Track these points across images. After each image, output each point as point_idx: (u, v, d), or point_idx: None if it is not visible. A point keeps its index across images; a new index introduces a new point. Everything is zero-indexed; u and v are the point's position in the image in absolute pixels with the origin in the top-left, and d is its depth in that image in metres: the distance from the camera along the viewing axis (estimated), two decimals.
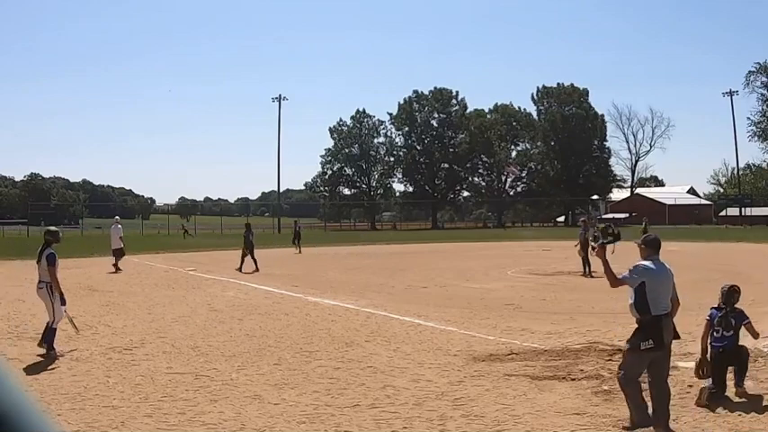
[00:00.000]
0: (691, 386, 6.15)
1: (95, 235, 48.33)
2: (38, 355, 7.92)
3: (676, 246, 24.42)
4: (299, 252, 29.43)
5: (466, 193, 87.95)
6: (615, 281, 5.18)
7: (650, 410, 5.12)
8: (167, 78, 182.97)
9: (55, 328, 8.13)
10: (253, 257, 20.54)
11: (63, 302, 8.24)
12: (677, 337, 5.31)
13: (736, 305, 6.20)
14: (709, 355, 6.10)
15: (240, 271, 19.75)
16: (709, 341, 6.13)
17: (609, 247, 5.43)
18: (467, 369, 7.12)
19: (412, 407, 5.76)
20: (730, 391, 5.96)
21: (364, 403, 5.89)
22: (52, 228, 9.14)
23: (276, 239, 41.53)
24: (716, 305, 6.25)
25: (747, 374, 6.19)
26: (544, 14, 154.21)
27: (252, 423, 5.37)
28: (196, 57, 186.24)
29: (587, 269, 17.14)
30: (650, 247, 5.27)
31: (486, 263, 22.15)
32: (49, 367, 7.41)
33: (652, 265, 5.14)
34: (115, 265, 20.36)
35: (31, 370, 7.29)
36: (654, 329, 5.01)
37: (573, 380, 6.56)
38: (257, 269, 19.91)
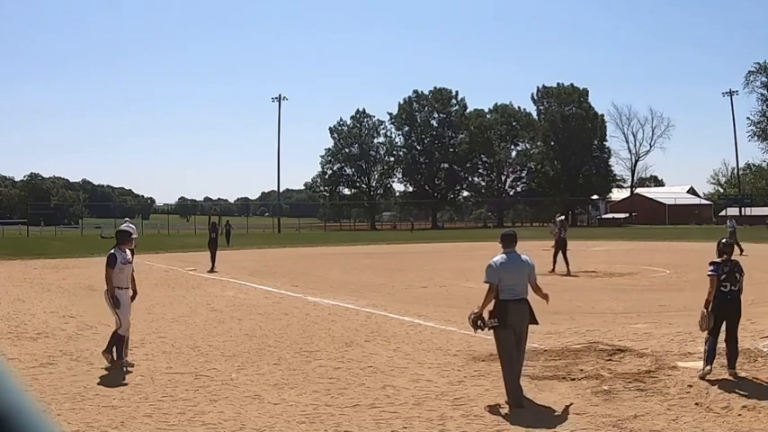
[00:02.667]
0: (690, 386, 6.15)
1: (95, 235, 48.29)
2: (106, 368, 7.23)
3: (684, 246, 24.42)
4: (228, 246, 31.12)
5: (466, 193, 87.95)
6: (488, 297, 5.99)
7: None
8: (168, 78, 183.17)
9: (122, 336, 7.36)
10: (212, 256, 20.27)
11: (116, 305, 7.44)
12: (534, 322, 6.04)
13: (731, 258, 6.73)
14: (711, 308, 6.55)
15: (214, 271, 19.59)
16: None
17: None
18: (467, 369, 7.12)
19: (412, 407, 5.76)
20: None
21: (364, 403, 5.89)
22: (122, 227, 8.07)
23: (276, 239, 41.52)
24: (716, 260, 6.67)
25: (747, 374, 6.20)
26: (544, 14, 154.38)
27: (252, 423, 5.37)
28: (196, 57, 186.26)
29: (554, 267, 17.41)
30: (505, 241, 6.20)
31: (486, 263, 22.08)
32: (123, 380, 6.78)
33: (501, 260, 6.04)
34: None
35: (110, 380, 6.74)
36: (500, 311, 5.87)
37: (573, 380, 6.56)
38: (213, 268, 19.75)
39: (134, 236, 20.61)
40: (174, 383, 6.60)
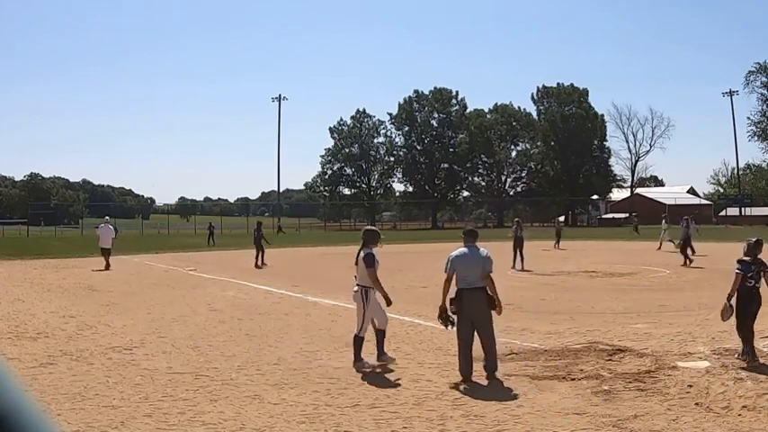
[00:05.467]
0: (690, 386, 6.15)
1: (95, 235, 48.20)
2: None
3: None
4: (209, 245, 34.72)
5: (466, 193, 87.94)
6: (445, 286, 6.83)
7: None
8: (168, 78, 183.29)
9: (362, 337, 7.24)
10: (257, 254, 21.95)
11: (388, 303, 7.35)
12: (493, 307, 6.67)
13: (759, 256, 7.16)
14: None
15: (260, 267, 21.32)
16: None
17: None
18: None
19: (412, 407, 5.76)
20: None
21: (364, 403, 5.89)
22: (369, 226, 8.09)
23: (276, 239, 41.41)
24: (744, 259, 7.07)
25: (747, 374, 6.20)
26: (544, 14, 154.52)
27: (252, 423, 5.37)
28: (196, 57, 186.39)
29: (515, 264, 19.07)
30: (467, 236, 7.03)
31: None
32: (394, 382, 6.64)
33: (458, 253, 6.80)
34: (107, 262, 20.72)
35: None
36: (456, 300, 6.68)
37: (573, 380, 6.55)
38: (258, 266, 21.41)
39: (113, 236, 21.34)
40: (175, 383, 6.60)
